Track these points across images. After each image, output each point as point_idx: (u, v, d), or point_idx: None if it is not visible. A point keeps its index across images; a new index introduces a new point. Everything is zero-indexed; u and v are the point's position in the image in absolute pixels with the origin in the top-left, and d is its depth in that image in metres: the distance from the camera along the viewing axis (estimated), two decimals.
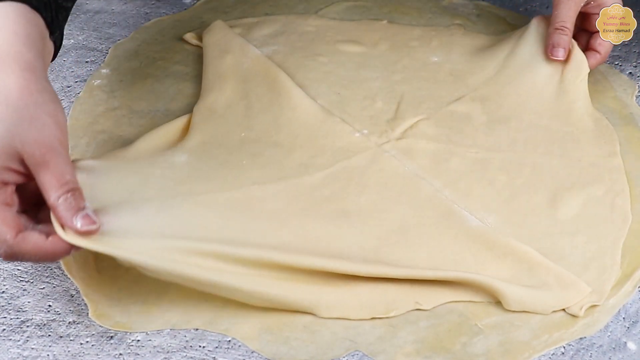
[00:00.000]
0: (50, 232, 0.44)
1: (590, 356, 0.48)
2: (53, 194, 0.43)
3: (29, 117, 0.43)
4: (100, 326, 0.49)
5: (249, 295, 0.49)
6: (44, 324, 0.49)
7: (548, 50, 0.63)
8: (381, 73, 0.68)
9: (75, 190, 0.44)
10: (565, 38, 0.63)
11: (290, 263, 0.49)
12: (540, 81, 0.65)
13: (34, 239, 0.43)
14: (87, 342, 0.48)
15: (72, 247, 0.44)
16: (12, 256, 0.43)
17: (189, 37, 0.73)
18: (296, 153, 0.60)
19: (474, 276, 0.50)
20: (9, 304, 0.50)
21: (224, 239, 0.49)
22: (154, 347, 0.48)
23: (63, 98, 0.67)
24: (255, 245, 0.50)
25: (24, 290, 0.51)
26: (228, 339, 0.48)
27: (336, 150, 0.60)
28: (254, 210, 0.53)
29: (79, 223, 0.44)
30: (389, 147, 0.60)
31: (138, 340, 0.48)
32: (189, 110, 0.64)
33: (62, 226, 0.44)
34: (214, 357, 0.47)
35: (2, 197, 0.43)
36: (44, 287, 0.51)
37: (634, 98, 0.66)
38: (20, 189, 0.45)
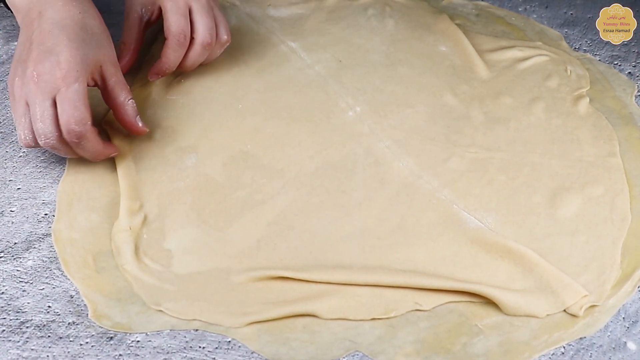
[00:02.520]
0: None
1: (590, 356, 0.48)
2: (123, 95, 0.57)
3: (106, 42, 0.57)
4: (100, 327, 0.49)
5: (250, 296, 0.50)
6: (44, 325, 0.49)
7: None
8: (387, 47, 0.70)
9: (133, 99, 0.58)
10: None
11: (297, 277, 0.51)
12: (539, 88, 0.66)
13: (97, 137, 0.55)
14: (87, 342, 0.48)
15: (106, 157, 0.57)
16: (81, 137, 0.54)
17: None
18: (294, 127, 0.61)
19: (470, 286, 0.50)
20: (9, 304, 0.50)
21: (243, 250, 0.53)
22: (154, 347, 0.48)
23: None
24: (268, 254, 0.53)
25: (23, 291, 0.51)
26: (228, 340, 0.48)
27: (331, 129, 0.62)
28: (268, 211, 0.56)
29: (140, 123, 0.58)
30: (383, 136, 0.61)
31: (138, 341, 0.48)
32: None
33: (126, 122, 0.58)
34: (214, 358, 0.47)
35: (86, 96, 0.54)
36: (43, 288, 0.51)
37: (634, 98, 0.66)
38: None
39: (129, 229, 0.53)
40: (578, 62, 0.69)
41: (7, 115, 0.65)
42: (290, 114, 0.62)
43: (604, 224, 0.55)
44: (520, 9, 0.77)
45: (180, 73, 0.65)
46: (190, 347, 0.48)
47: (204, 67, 0.66)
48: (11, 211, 0.56)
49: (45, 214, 0.56)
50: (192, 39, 0.62)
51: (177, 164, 0.59)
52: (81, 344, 0.48)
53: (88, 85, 0.55)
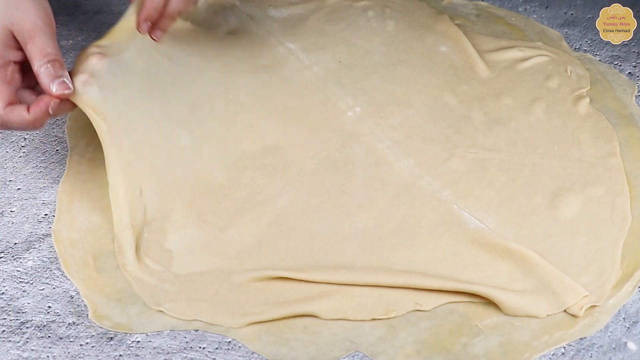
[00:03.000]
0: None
1: (591, 356, 0.48)
2: (36, 63, 0.51)
3: (15, 3, 0.51)
4: (100, 327, 0.49)
5: (251, 296, 0.50)
6: (44, 325, 0.49)
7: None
8: (387, 48, 0.70)
9: (55, 61, 0.51)
10: None
11: (297, 277, 0.51)
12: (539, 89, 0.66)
13: (19, 110, 0.50)
14: (87, 343, 0.48)
15: (46, 116, 0.51)
16: (2, 125, 0.51)
17: None
18: (292, 128, 0.61)
19: (471, 286, 0.50)
20: (9, 305, 0.50)
21: (244, 248, 0.53)
22: (154, 348, 0.48)
23: None
24: (268, 255, 0.53)
25: (23, 291, 0.51)
26: (228, 340, 0.48)
27: (331, 130, 0.61)
28: (268, 212, 0.55)
29: (54, 87, 0.51)
30: (383, 136, 0.61)
31: (138, 342, 0.48)
32: None
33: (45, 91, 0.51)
34: (214, 358, 0.47)
35: (2, 74, 0.51)
36: (43, 289, 0.51)
37: (634, 98, 0.66)
38: (26, 69, 0.53)
39: (130, 226, 0.53)
40: (578, 62, 0.69)
41: None
42: (286, 115, 0.62)
43: (604, 224, 0.55)
44: (520, 9, 0.77)
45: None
46: (191, 347, 0.48)
47: (190, 64, 0.64)
48: (11, 211, 0.56)
49: (46, 214, 0.56)
50: None
51: (171, 138, 0.56)
52: (81, 345, 0.48)
53: (20, 61, 0.52)
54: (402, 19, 0.74)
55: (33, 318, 0.50)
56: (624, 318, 0.50)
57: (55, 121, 0.64)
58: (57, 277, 0.52)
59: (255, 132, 0.61)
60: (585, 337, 0.48)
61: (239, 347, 0.48)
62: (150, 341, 0.48)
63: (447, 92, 0.65)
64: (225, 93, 0.62)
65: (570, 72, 0.68)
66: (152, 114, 0.56)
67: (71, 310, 0.50)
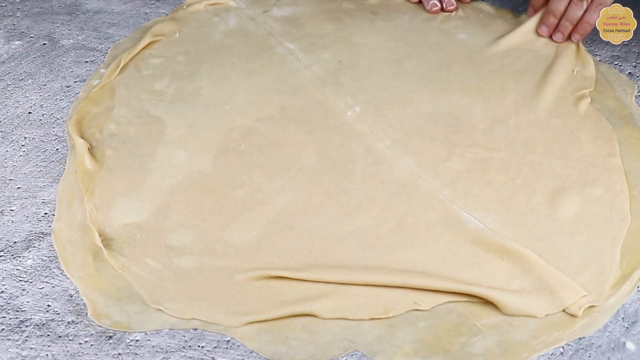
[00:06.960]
0: None
1: (589, 356, 0.48)
2: None
3: None
4: (99, 326, 0.49)
5: (249, 295, 0.50)
6: (43, 324, 0.49)
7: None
8: (396, 43, 0.70)
9: None
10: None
11: (296, 277, 0.51)
12: (542, 84, 0.66)
13: None
14: (86, 341, 0.48)
15: None
16: None
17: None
18: (290, 128, 0.61)
19: (469, 287, 0.50)
20: (8, 303, 0.50)
21: (241, 245, 0.53)
22: (153, 347, 0.48)
23: (62, 98, 0.67)
24: (267, 254, 0.53)
25: (23, 290, 0.51)
26: (227, 339, 0.48)
27: (330, 129, 0.61)
28: (267, 211, 0.56)
29: None
30: (382, 135, 0.60)
31: (137, 340, 0.48)
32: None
33: None
34: (213, 357, 0.47)
35: None
36: (43, 287, 0.51)
37: (634, 98, 0.66)
38: None
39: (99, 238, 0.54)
40: (591, 62, 0.68)
41: (7, 114, 0.65)
42: (284, 115, 0.62)
43: (603, 224, 0.55)
44: (520, 10, 0.77)
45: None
46: (189, 346, 0.48)
47: (181, 73, 0.67)
48: (11, 210, 0.57)
49: (45, 213, 0.56)
50: None
51: (166, 160, 0.59)
52: (80, 343, 0.48)
53: None
54: (415, 12, 0.75)
55: (32, 316, 0.50)
56: (622, 318, 0.50)
57: (55, 120, 0.64)
58: (57, 275, 0.52)
59: (253, 133, 0.61)
60: (583, 337, 0.48)
61: (238, 345, 0.48)
62: (149, 340, 0.48)
63: (453, 87, 0.65)
64: (221, 106, 0.63)
65: (577, 72, 0.68)
66: (147, 145, 0.60)
67: (70, 308, 0.50)
